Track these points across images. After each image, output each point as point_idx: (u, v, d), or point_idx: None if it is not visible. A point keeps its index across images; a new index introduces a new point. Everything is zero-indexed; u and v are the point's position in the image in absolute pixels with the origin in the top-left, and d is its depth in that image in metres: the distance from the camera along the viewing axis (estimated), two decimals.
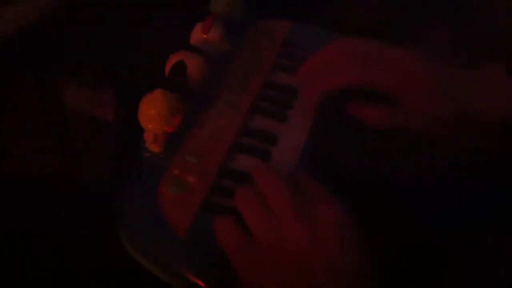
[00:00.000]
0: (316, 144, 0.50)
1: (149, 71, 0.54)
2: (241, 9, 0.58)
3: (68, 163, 0.50)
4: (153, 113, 0.46)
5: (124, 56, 0.56)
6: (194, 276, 0.42)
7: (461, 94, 0.46)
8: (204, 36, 0.54)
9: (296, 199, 0.39)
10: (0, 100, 0.53)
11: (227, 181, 0.47)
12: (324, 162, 0.50)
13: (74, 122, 0.52)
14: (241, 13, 0.58)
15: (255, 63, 0.56)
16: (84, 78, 0.54)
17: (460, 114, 0.46)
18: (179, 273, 0.43)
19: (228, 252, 0.40)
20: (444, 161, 0.50)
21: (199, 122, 0.50)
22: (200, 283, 0.42)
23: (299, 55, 0.56)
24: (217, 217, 0.42)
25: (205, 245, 0.42)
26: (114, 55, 0.56)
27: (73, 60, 0.55)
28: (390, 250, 0.44)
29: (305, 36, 0.58)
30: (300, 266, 0.37)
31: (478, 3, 0.65)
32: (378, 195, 0.48)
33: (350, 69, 0.47)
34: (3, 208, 0.47)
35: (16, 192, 0.48)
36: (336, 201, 0.40)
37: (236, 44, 0.56)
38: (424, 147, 0.50)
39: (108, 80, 0.55)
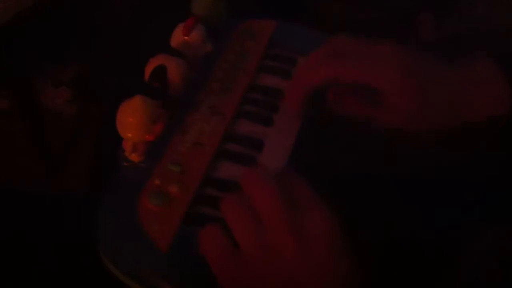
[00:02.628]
0: (307, 147, 0.49)
1: (128, 75, 0.52)
2: (223, 9, 0.56)
3: (46, 164, 0.48)
4: (132, 121, 0.44)
5: (103, 59, 0.55)
6: None
7: (442, 91, 0.45)
8: (186, 38, 0.52)
9: (287, 209, 0.37)
10: None
11: (212, 190, 0.45)
12: (320, 162, 0.49)
13: (52, 122, 0.50)
14: (224, 13, 0.56)
15: (239, 65, 0.54)
16: (62, 78, 0.52)
17: (441, 111, 0.45)
18: None
19: (212, 264, 0.38)
20: (443, 161, 0.49)
21: (182, 129, 0.48)
22: None
23: (284, 56, 0.54)
24: (203, 229, 0.39)
25: (189, 259, 0.40)
26: (92, 57, 0.54)
27: (51, 59, 0.54)
28: (389, 250, 0.43)
29: (290, 36, 0.57)
30: (289, 279, 0.36)
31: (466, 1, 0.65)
32: (378, 195, 0.47)
33: (330, 65, 0.47)
34: None
35: None
36: (326, 209, 0.38)
37: (219, 46, 0.55)
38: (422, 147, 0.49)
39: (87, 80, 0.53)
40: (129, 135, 0.44)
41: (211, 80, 0.52)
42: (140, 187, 0.44)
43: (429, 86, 0.45)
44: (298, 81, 0.50)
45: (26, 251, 0.46)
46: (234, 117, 0.50)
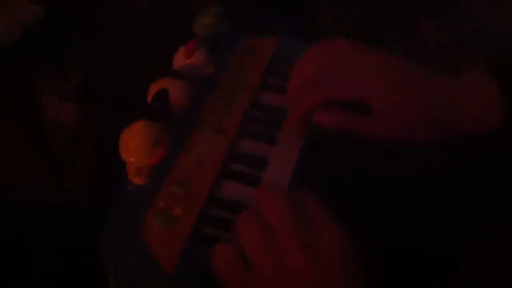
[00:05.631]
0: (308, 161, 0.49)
1: (128, 76, 0.52)
2: (224, 27, 0.55)
3: (46, 165, 0.48)
4: (135, 145, 0.44)
5: (103, 59, 0.54)
6: None
7: (433, 102, 0.44)
8: (187, 61, 0.51)
9: (298, 225, 0.37)
10: None
11: (216, 211, 0.45)
12: (321, 164, 0.49)
13: (57, 137, 0.50)
14: (225, 31, 0.55)
15: (240, 84, 0.53)
16: (68, 92, 0.52)
17: (433, 122, 0.44)
18: None
19: (224, 281, 0.37)
20: (443, 161, 0.49)
21: (185, 149, 0.48)
22: None
23: (286, 74, 0.53)
24: (217, 244, 0.39)
25: (194, 281, 0.40)
26: (92, 57, 0.54)
27: (51, 59, 0.53)
28: (390, 250, 0.43)
29: (291, 52, 0.55)
30: None
31: (464, 2, 0.65)
32: (378, 195, 0.47)
33: (321, 90, 0.46)
34: None
35: None
36: (339, 227, 0.37)
37: (221, 64, 0.54)
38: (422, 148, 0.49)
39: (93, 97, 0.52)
40: (132, 159, 0.44)
41: (213, 99, 0.52)
42: (145, 210, 0.44)
43: (419, 96, 0.44)
44: (294, 106, 0.49)
45: (26, 251, 0.45)
46: (236, 136, 0.50)
